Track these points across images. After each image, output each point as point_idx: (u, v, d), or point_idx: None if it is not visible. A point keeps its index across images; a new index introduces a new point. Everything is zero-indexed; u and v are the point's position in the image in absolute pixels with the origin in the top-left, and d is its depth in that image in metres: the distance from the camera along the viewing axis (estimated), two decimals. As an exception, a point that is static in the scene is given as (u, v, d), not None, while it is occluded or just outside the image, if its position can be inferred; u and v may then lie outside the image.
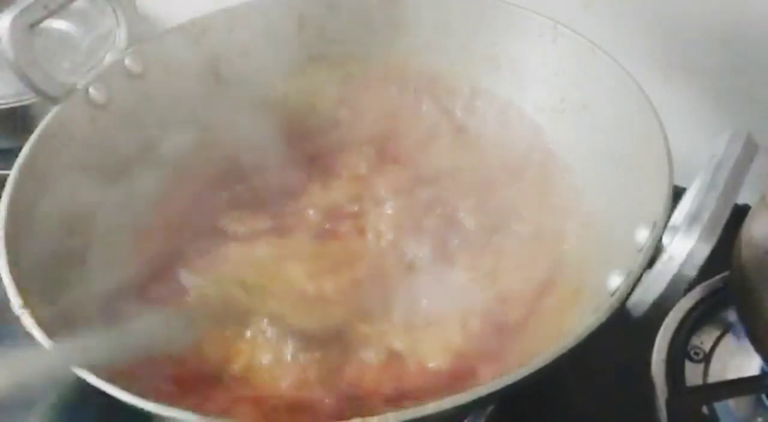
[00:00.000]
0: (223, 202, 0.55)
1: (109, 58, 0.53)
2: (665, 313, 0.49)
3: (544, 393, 0.47)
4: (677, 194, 0.38)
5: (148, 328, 0.42)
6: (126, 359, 0.39)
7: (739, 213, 0.42)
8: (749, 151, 0.36)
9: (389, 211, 0.53)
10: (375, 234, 0.52)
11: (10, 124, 0.66)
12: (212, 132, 0.57)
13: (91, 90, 0.50)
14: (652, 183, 0.41)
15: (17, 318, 0.38)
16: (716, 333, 0.50)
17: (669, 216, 0.37)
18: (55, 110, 0.49)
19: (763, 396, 0.47)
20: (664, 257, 0.33)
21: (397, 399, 0.42)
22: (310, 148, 0.59)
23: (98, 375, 0.34)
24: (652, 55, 0.57)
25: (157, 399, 0.33)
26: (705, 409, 0.46)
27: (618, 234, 0.43)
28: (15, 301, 0.38)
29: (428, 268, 0.50)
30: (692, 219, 0.33)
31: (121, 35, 0.53)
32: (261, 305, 0.47)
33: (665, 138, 0.42)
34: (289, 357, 0.44)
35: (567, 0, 0.57)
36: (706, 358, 0.49)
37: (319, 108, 0.60)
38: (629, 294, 0.35)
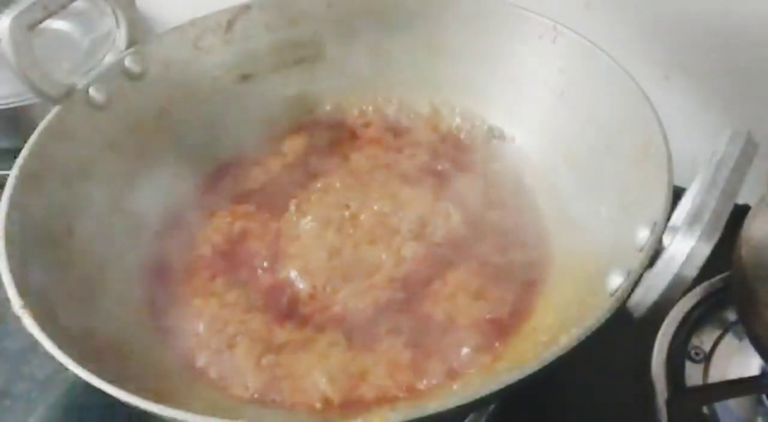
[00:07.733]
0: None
1: (109, 58, 0.53)
2: (665, 313, 0.49)
3: (544, 393, 0.47)
4: (677, 194, 0.38)
5: None
6: None
7: (739, 213, 0.42)
8: (749, 150, 0.36)
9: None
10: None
11: (10, 124, 0.66)
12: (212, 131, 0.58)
13: (91, 90, 0.50)
14: (652, 183, 0.41)
15: (17, 318, 0.38)
16: (716, 333, 0.50)
17: (669, 216, 0.37)
18: (55, 110, 0.49)
19: (763, 396, 0.47)
20: (664, 257, 0.33)
21: None
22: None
23: (99, 375, 0.34)
24: (652, 55, 0.57)
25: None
26: (705, 409, 0.46)
27: (618, 234, 0.43)
28: (15, 301, 0.38)
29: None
30: (692, 219, 0.33)
31: (121, 35, 0.53)
32: None
33: (665, 138, 0.42)
34: None
35: (567, 0, 0.57)
36: (706, 358, 0.49)
37: (318, 107, 0.61)
38: (630, 294, 0.35)
